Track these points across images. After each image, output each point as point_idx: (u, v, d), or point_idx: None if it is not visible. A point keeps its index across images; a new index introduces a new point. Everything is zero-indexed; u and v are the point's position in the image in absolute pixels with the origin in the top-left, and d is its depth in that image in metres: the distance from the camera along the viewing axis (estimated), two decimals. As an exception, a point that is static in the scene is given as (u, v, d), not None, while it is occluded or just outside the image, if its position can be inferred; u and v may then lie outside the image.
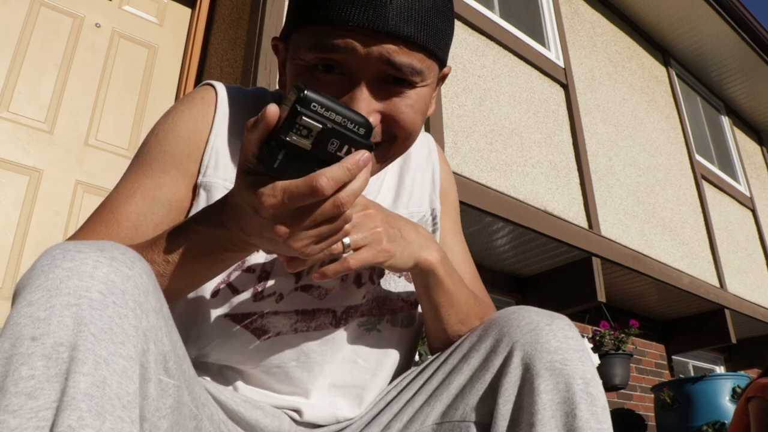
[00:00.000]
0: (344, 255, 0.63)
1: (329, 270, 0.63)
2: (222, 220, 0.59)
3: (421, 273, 0.74)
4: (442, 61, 0.71)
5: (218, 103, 0.77)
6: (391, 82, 0.67)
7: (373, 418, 0.75)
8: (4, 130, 2.35)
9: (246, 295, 0.73)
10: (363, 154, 0.53)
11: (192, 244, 0.61)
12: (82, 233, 0.71)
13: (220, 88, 0.79)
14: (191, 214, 0.73)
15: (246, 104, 0.80)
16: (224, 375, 0.74)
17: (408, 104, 0.68)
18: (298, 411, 0.75)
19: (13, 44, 2.46)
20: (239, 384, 0.74)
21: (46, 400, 0.42)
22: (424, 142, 0.93)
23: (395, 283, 0.81)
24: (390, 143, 0.71)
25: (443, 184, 0.92)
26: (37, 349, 0.43)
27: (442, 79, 0.76)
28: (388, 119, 0.68)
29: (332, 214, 0.53)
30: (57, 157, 2.44)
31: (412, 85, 0.67)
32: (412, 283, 0.81)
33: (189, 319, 0.73)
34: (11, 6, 2.50)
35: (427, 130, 2.98)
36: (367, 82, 0.65)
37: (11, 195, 2.30)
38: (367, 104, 0.65)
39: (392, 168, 0.88)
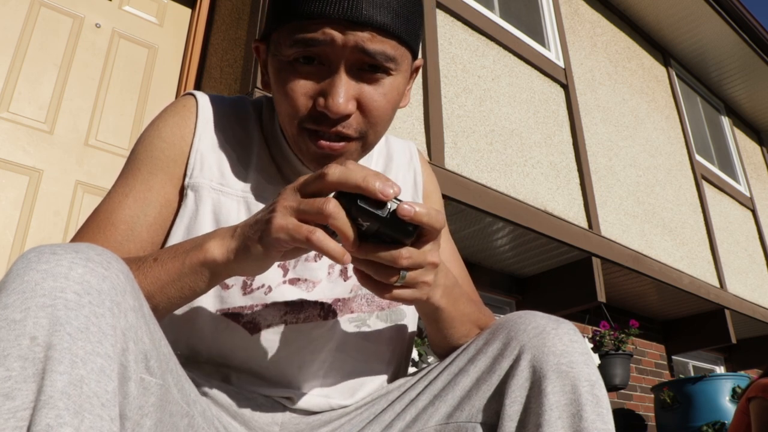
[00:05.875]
0: (397, 282, 0.63)
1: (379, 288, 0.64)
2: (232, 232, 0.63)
3: (422, 305, 0.73)
4: (414, 51, 0.76)
5: (199, 110, 0.82)
6: (367, 69, 0.71)
7: (375, 417, 0.76)
8: (4, 130, 2.34)
9: (235, 290, 0.75)
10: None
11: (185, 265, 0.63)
12: (79, 239, 0.73)
13: (201, 96, 0.84)
14: (180, 213, 0.77)
15: (226, 110, 0.84)
16: (217, 371, 0.75)
17: (381, 93, 0.72)
18: (290, 399, 0.76)
19: (13, 44, 2.46)
20: (232, 379, 0.75)
21: (24, 401, 0.42)
22: (405, 148, 0.97)
23: None
24: (361, 141, 0.74)
25: (426, 186, 0.96)
26: (13, 350, 0.43)
27: (415, 70, 0.80)
28: (361, 106, 0.71)
29: (318, 187, 0.58)
30: (57, 157, 2.43)
31: (386, 73, 0.72)
32: None
33: (179, 318, 0.74)
34: (11, 6, 2.50)
35: (428, 130, 2.98)
36: (345, 69, 0.70)
37: (11, 195, 2.29)
38: (346, 90, 0.69)
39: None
